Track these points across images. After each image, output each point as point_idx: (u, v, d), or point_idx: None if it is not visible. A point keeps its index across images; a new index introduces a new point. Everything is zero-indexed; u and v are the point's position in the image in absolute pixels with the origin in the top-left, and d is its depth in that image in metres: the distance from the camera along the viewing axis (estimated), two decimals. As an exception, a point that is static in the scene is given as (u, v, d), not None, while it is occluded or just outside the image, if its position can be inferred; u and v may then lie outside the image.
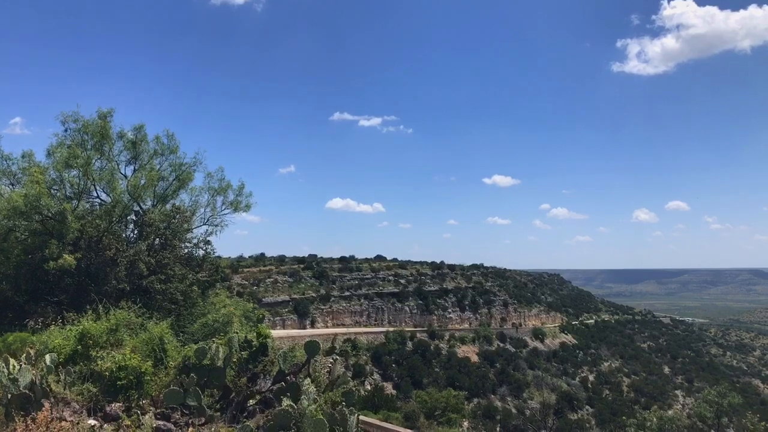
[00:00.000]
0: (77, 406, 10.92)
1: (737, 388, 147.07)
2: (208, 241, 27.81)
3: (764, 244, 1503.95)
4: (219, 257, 31.98)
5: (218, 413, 11.46)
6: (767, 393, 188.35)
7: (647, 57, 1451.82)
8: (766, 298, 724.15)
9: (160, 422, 10.63)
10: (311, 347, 12.28)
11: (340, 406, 10.64)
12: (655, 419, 44.07)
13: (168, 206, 27.32)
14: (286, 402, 10.50)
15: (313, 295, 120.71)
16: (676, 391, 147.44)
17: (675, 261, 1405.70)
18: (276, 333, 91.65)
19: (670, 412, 54.60)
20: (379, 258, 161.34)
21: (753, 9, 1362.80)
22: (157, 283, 22.74)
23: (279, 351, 12.71)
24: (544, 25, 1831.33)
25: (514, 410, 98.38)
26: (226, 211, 29.02)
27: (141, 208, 26.26)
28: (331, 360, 12.84)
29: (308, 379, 11.97)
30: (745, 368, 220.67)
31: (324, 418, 9.81)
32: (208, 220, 28.61)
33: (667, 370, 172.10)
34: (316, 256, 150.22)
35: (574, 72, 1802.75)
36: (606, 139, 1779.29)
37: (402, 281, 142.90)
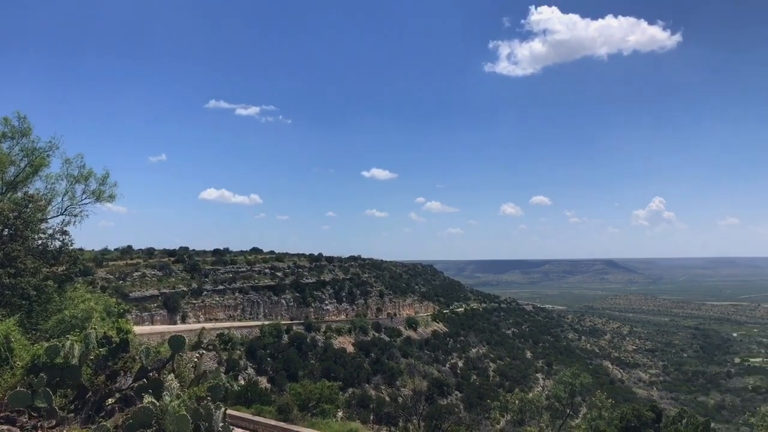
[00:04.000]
0: None
1: (590, 370, 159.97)
2: (66, 231, 26.05)
3: (616, 237, 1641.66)
4: (80, 250, 30.11)
5: (72, 414, 10.79)
6: (616, 373, 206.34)
7: (517, 59, 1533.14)
8: (617, 286, 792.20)
9: (4, 427, 9.85)
10: (176, 342, 11.86)
11: (205, 401, 10.40)
12: (517, 401, 47.02)
13: (19, 194, 25.25)
14: (147, 399, 10.10)
15: (185, 289, 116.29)
16: (537, 374, 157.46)
17: (538, 252, 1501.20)
18: (144, 329, 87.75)
19: (530, 394, 58.22)
20: (255, 250, 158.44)
21: (609, 19, 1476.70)
22: (5, 277, 20.96)
23: (141, 347, 12.17)
24: (421, 23, 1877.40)
25: (387, 398, 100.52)
26: (87, 201, 27.34)
27: (-13, 196, 24.07)
28: (197, 355, 12.49)
29: (172, 374, 11.58)
30: (598, 351, 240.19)
31: (188, 413, 9.54)
32: (66, 209, 26.81)
33: (529, 354, 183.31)
34: (188, 248, 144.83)
35: (449, 70, 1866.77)
36: (477, 136, 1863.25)
37: (279, 274, 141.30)
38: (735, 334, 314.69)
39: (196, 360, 12.30)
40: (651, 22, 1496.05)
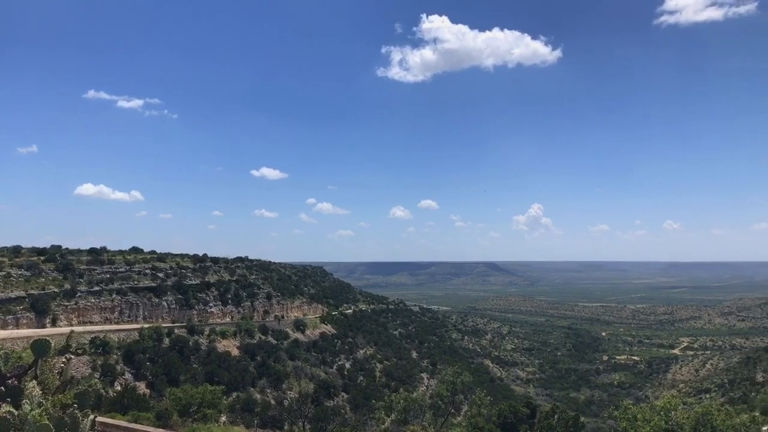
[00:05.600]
0: None
1: (471, 369, 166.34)
2: None
3: (497, 240, 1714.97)
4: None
5: None
6: (496, 371, 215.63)
7: (408, 65, 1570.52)
8: (498, 288, 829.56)
9: None
10: (39, 346, 11.06)
11: (71, 409, 9.76)
12: (402, 401, 47.94)
13: None
14: (4, 408, 9.34)
15: (56, 290, 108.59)
16: (422, 374, 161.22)
17: (425, 254, 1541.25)
18: (6, 333, 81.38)
19: (415, 394, 59.57)
20: (135, 250, 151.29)
21: (496, 31, 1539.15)
22: None
23: (0, 352, 11.25)
24: (313, 24, 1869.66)
25: (273, 401, 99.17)
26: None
27: None
28: (64, 359, 11.69)
29: (34, 381, 10.78)
30: (479, 350, 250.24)
31: (50, 422, 8.92)
32: None
33: (415, 354, 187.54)
34: (60, 247, 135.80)
35: (341, 73, 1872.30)
36: (369, 139, 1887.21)
37: (160, 275, 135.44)
38: (603, 334, 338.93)
39: (62, 365, 11.50)
40: (534, 37, 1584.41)
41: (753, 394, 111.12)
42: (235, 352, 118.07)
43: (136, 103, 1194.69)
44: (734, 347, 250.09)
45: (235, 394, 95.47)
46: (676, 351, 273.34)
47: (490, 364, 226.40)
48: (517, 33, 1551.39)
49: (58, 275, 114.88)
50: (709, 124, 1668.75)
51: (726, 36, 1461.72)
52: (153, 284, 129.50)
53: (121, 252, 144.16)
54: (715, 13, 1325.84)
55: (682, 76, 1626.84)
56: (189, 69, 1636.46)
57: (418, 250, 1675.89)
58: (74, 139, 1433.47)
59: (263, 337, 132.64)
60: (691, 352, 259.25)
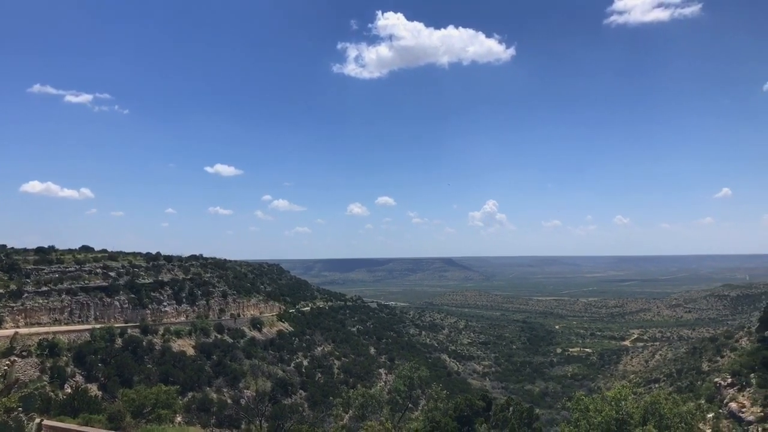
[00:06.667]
0: None
1: (429, 363, 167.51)
2: None
3: (453, 236, 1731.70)
4: None
5: None
6: (452, 366, 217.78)
7: (364, 62, 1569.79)
8: (454, 283, 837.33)
9: None
10: (-18, 348, 10.67)
11: (16, 413, 9.44)
12: (359, 397, 48.01)
13: None
14: (-57, 414, 8.97)
15: (1, 291, 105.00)
16: (380, 370, 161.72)
17: (383, 251, 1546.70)
18: (-52, 336, 78.24)
19: (372, 389, 59.70)
20: (86, 249, 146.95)
21: (451, 29, 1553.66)
22: None
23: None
24: (269, 19, 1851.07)
25: (229, 401, 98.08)
26: None
27: None
28: (8, 362, 11.30)
29: (-24, 385, 10.38)
30: (436, 345, 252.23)
31: (-7, 427, 8.61)
32: None
33: (373, 350, 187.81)
34: (5, 246, 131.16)
35: (296, 69, 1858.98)
36: (326, 135, 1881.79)
37: (112, 274, 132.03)
38: (557, 327, 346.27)
39: (6, 368, 11.12)
40: (488, 35, 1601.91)
41: (699, 382, 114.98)
42: (190, 351, 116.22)
43: (85, 98, 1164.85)
44: (681, 338, 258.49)
45: (190, 394, 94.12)
46: (626, 342, 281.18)
47: (447, 358, 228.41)
48: (471, 31, 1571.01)
49: (3, 275, 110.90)
50: (657, 122, 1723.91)
51: (672, 36, 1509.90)
52: (104, 284, 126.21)
53: (70, 251, 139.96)
54: (661, 14, 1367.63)
55: (631, 75, 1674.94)
56: (141, 64, 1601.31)
57: (376, 247, 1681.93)
58: (19, 135, 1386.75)
59: (219, 336, 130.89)
60: (641, 344, 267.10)
